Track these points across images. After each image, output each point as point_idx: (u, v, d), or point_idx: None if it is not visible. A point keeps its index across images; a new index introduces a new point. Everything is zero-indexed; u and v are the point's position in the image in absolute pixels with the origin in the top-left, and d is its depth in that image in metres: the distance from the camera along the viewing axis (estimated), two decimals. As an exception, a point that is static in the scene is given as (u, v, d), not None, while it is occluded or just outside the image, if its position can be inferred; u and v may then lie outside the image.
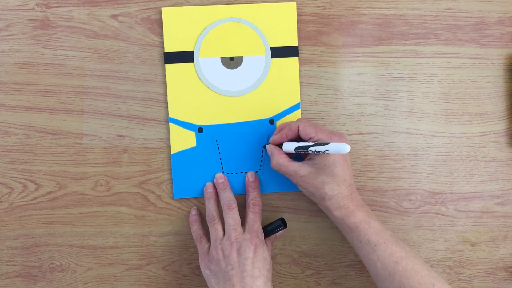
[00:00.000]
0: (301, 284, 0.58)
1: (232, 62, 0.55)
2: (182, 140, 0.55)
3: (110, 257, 0.56)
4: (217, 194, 0.55)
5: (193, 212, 0.55)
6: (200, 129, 0.56)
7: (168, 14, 0.55)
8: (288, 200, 0.57)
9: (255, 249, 0.50)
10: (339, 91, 0.57)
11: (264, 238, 0.52)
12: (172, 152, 0.55)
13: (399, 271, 0.46)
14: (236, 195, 0.54)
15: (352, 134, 0.57)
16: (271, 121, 0.56)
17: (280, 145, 0.52)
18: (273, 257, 0.57)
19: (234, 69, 0.56)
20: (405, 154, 0.57)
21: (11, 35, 0.54)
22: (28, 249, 0.56)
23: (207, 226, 0.53)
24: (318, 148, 0.46)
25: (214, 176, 0.56)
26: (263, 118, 0.56)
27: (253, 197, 0.54)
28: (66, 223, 0.56)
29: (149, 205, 0.56)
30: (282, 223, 0.54)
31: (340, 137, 0.49)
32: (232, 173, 0.56)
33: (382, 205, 0.57)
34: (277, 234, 0.54)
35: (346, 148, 0.43)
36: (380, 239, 0.47)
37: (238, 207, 0.52)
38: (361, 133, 0.57)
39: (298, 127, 0.50)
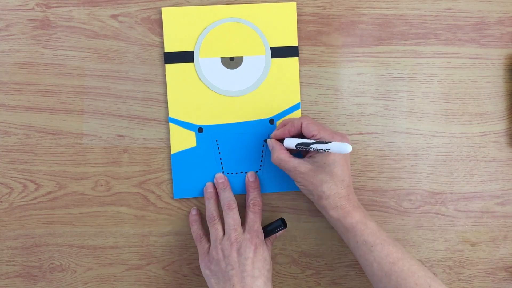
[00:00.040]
0: (301, 284, 0.58)
1: (232, 62, 0.55)
2: (182, 140, 0.55)
3: (110, 257, 0.56)
4: (217, 194, 0.55)
5: (193, 212, 0.55)
6: (200, 129, 0.56)
7: (168, 14, 0.55)
8: (288, 200, 0.57)
9: (255, 249, 0.50)
10: (339, 91, 0.57)
11: (264, 238, 0.52)
12: (172, 152, 0.55)
13: (395, 272, 0.46)
14: (236, 195, 0.54)
15: (352, 134, 0.57)
16: (271, 121, 0.56)
17: (281, 141, 0.52)
18: (273, 257, 0.57)
19: (234, 69, 0.56)
20: (405, 154, 0.57)
21: (11, 35, 0.54)
22: (28, 249, 0.56)
23: (207, 226, 0.53)
24: (319, 146, 0.46)
25: (214, 176, 0.56)
26: (263, 118, 0.56)
27: (253, 197, 0.54)
28: (66, 223, 0.56)
29: (149, 205, 0.56)
30: (282, 223, 0.54)
31: (342, 137, 0.49)
32: (232, 173, 0.56)
33: (382, 205, 0.57)
34: (277, 234, 0.54)
35: (347, 148, 0.43)
36: (376, 240, 0.48)
37: (238, 207, 0.52)
38: (361, 133, 0.57)
39: (301, 124, 0.50)
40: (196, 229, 0.54)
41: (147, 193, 0.56)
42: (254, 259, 0.49)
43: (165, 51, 0.55)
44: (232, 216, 0.51)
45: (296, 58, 0.56)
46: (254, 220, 0.52)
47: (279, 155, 0.51)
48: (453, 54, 0.57)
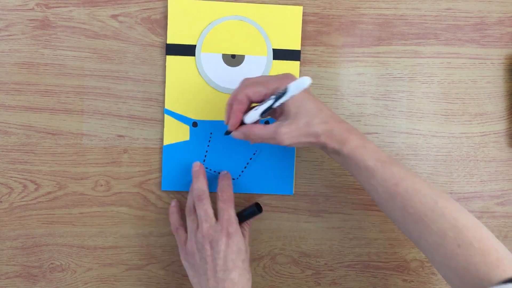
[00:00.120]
0: (301, 284, 0.58)
1: (233, 60, 0.55)
2: (176, 133, 0.55)
3: (110, 257, 0.56)
4: (205, 173, 0.53)
5: (173, 204, 0.54)
6: (194, 123, 0.55)
7: (174, 4, 0.54)
8: (288, 200, 0.57)
9: (228, 240, 0.49)
10: (339, 91, 0.57)
11: (240, 223, 0.51)
12: (165, 143, 0.55)
13: (400, 193, 0.45)
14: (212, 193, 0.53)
15: (352, 134, 0.57)
16: (267, 122, 0.55)
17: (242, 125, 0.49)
18: (273, 257, 0.57)
19: (235, 67, 0.55)
20: (405, 154, 0.57)
21: (11, 35, 0.54)
22: (28, 249, 0.56)
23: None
24: (281, 100, 0.44)
25: None
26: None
27: (221, 186, 0.52)
28: (66, 223, 0.56)
29: (149, 205, 0.56)
30: (256, 209, 0.52)
31: (285, 78, 0.46)
32: (211, 170, 0.55)
33: (382, 205, 0.57)
34: (255, 218, 0.53)
35: (306, 80, 0.41)
36: (377, 163, 0.45)
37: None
38: (361, 133, 0.57)
39: (247, 95, 0.46)
40: (173, 220, 0.53)
41: (147, 193, 0.56)
42: (227, 251, 0.48)
43: (168, 42, 0.55)
44: (203, 207, 0.50)
45: (297, 62, 0.56)
46: (224, 208, 0.50)
47: (255, 133, 0.47)
48: (453, 54, 0.57)
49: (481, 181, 0.58)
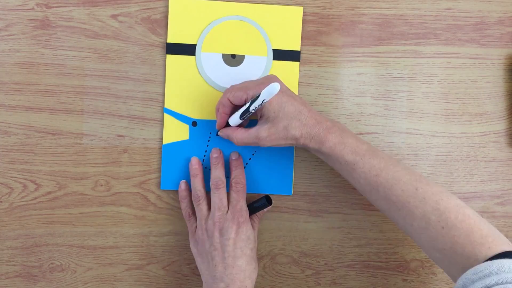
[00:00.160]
0: (301, 284, 0.58)
1: (233, 60, 0.55)
2: (175, 132, 0.55)
3: (110, 257, 0.56)
4: (202, 171, 0.54)
5: (182, 186, 0.55)
6: (194, 123, 0.56)
7: (175, 4, 0.54)
8: (288, 200, 0.57)
9: (238, 229, 0.50)
10: (339, 91, 0.57)
11: (250, 215, 0.53)
12: (164, 142, 0.55)
13: (381, 184, 0.46)
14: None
15: (352, 134, 0.57)
16: None
17: (228, 125, 0.52)
18: (273, 257, 0.57)
19: (235, 67, 0.56)
20: (405, 154, 0.57)
21: (11, 35, 0.54)
22: (28, 249, 0.56)
23: None
24: (255, 104, 0.45)
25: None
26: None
27: (235, 175, 0.53)
28: (66, 223, 0.56)
29: (149, 205, 0.56)
30: (266, 201, 0.53)
31: (268, 80, 0.49)
32: (208, 169, 0.56)
33: (382, 205, 0.57)
34: (265, 210, 0.54)
35: (275, 86, 0.43)
36: (356, 157, 0.47)
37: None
38: (361, 133, 0.57)
39: (229, 99, 0.49)
40: (185, 207, 0.54)
41: (147, 193, 0.56)
42: (236, 239, 0.50)
43: (168, 41, 0.55)
44: (219, 196, 0.51)
45: (297, 63, 0.56)
46: (237, 199, 0.52)
47: (237, 135, 0.50)
48: (453, 54, 0.57)
49: (481, 181, 0.58)
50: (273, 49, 0.55)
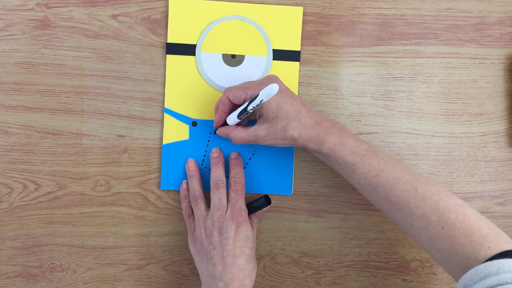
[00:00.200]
0: (301, 284, 0.58)
1: (233, 60, 0.55)
2: (175, 132, 0.55)
3: (110, 257, 0.56)
4: (199, 173, 0.54)
5: (184, 186, 0.55)
6: (194, 123, 0.56)
7: (175, 4, 0.54)
8: (288, 200, 0.57)
9: (237, 228, 0.50)
10: (339, 91, 0.57)
11: (249, 214, 0.53)
12: (164, 142, 0.55)
13: (381, 184, 0.46)
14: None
15: (352, 134, 0.57)
16: None
17: (226, 124, 0.53)
18: (273, 257, 0.57)
19: (235, 67, 0.56)
20: (405, 154, 0.57)
21: (11, 35, 0.54)
22: (28, 249, 0.56)
23: None
24: (254, 104, 0.46)
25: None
26: (262, 118, 0.56)
27: (234, 174, 0.53)
28: (66, 223, 0.56)
29: (149, 205, 0.56)
30: (265, 201, 0.53)
31: (268, 80, 0.49)
32: (208, 169, 0.56)
33: (382, 205, 0.57)
34: (264, 210, 0.54)
35: (274, 87, 0.43)
36: (356, 158, 0.47)
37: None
38: (361, 133, 0.57)
39: (228, 98, 0.49)
40: (185, 206, 0.54)
41: (147, 193, 0.56)
42: (235, 238, 0.50)
43: (168, 41, 0.55)
44: (218, 196, 0.51)
45: (297, 63, 0.56)
46: (236, 198, 0.52)
47: (236, 134, 0.50)
48: (453, 54, 0.57)
49: (481, 181, 0.58)
50: (273, 49, 0.55)
